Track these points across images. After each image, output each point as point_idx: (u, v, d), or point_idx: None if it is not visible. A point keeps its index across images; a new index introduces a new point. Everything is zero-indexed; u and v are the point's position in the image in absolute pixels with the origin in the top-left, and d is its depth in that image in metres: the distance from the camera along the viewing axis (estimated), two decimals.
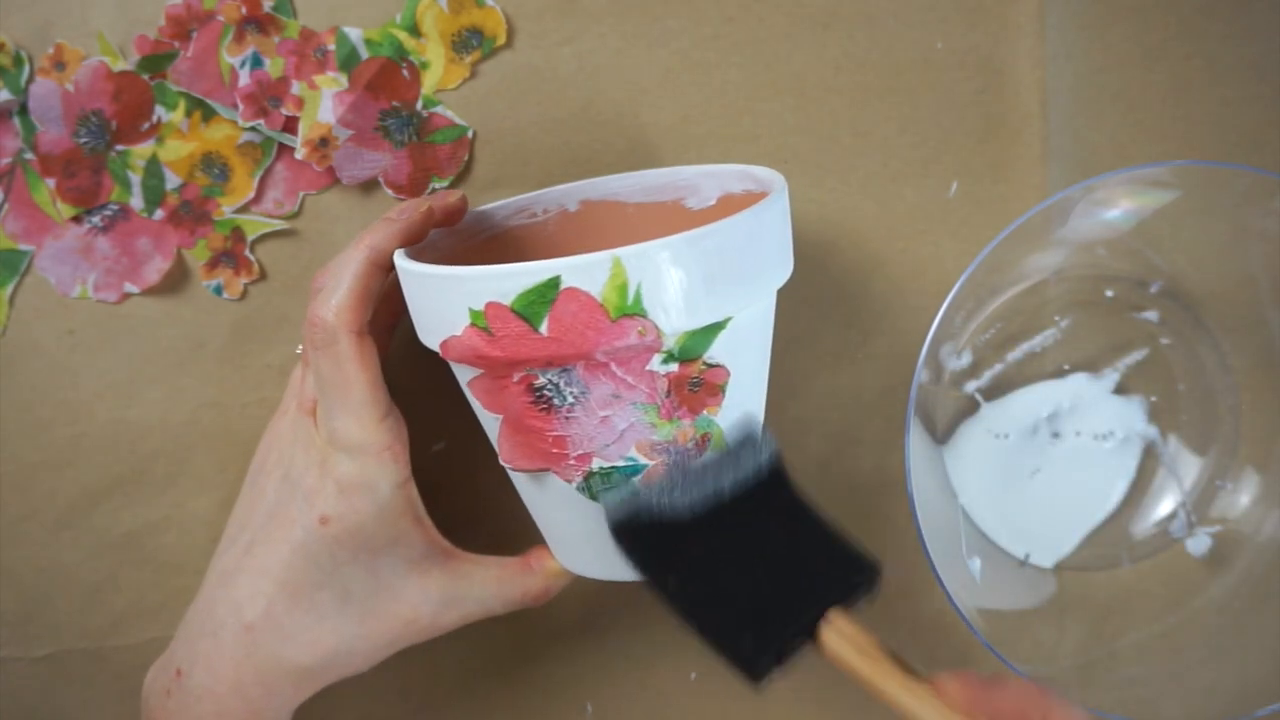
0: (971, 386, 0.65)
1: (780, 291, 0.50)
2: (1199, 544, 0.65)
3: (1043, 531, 0.66)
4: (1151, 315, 0.64)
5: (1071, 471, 0.66)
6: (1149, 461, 0.66)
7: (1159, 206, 0.60)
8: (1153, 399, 0.65)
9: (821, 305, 0.63)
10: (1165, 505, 0.66)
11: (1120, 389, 0.65)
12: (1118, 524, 0.67)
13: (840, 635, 0.44)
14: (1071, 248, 0.63)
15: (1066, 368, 0.65)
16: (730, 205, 0.56)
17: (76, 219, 0.59)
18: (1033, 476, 0.66)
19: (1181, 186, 0.59)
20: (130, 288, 0.60)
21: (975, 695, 0.41)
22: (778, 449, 0.49)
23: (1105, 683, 0.62)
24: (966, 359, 0.64)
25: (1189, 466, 0.66)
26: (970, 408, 0.65)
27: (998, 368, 0.65)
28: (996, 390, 0.65)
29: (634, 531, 0.47)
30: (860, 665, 0.44)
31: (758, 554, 0.47)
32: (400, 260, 0.49)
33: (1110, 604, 0.65)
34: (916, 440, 0.59)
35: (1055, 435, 0.65)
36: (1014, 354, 0.65)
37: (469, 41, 0.59)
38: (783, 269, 0.50)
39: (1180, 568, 0.65)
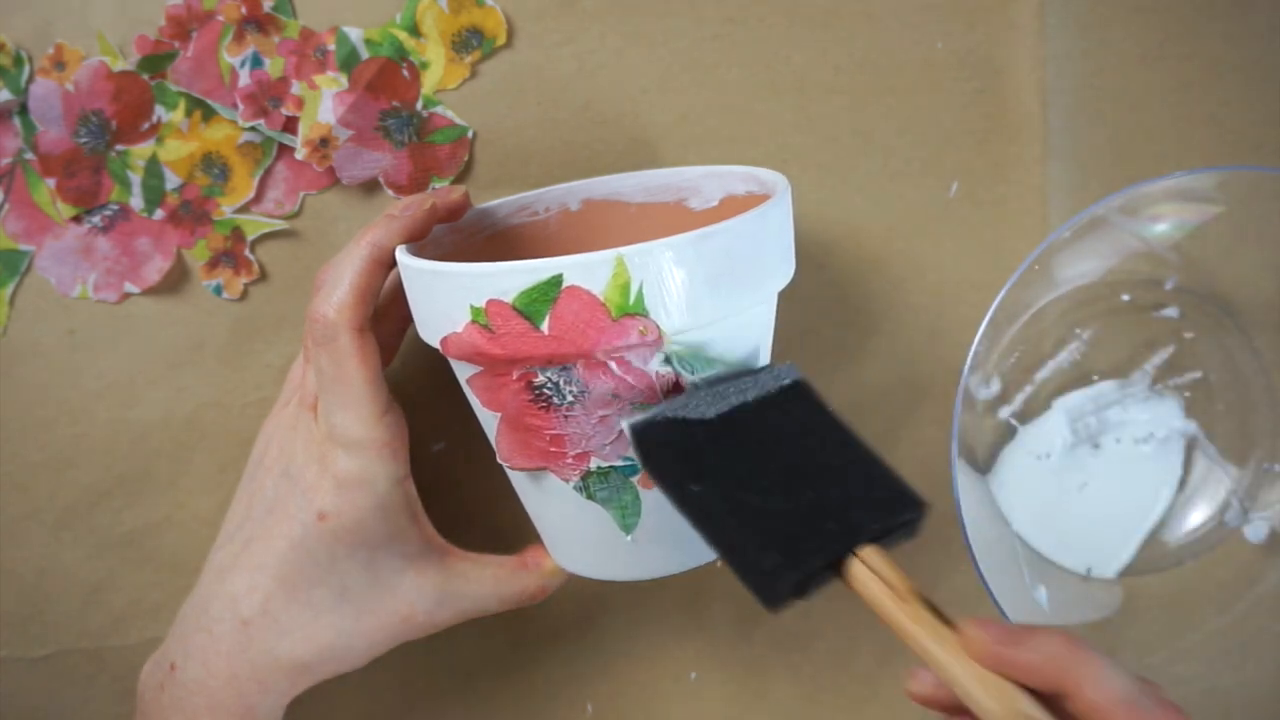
0: (1006, 413, 0.65)
1: (780, 291, 0.50)
2: (1257, 530, 0.65)
3: (1100, 543, 0.66)
4: (1171, 311, 0.64)
5: (1118, 479, 0.66)
6: (1193, 456, 0.66)
7: (1156, 208, 0.61)
8: (1186, 394, 0.66)
9: (821, 305, 0.63)
10: (1217, 496, 0.66)
11: (1152, 389, 0.65)
12: (1173, 522, 0.67)
13: (871, 570, 0.42)
14: (1085, 262, 0.63)
15: (1096, 378, 0.65)
16: (733, 206, 0.56)
17: (76, 219, 0.59)
18: (1081, 491, 0.66)
19: (1181, 186, 0.59)
20: (130, 288, 0.60)
21: (1001, 649, 0.40)
22: (804, 376, 0.48)
23: (1176, 678, 0.62)
24: (996, 386, 0.64)
25: (1234, 455, 0.66)
26: (1008, 433, 0.65)
27: (1028, 390, 0.65)
28: (1031, 412, 0.65)
29: (654, 434, 0.45)
30: (887, 605, 0.41)
31: (790, 472, 0.44)
32: (402, 256, 0.49)
33: (1179, 601, 0.65)
34: (963, 477, 0.59)
35: (1096, 446, 0.65)
36: (1042, 373, 0.65)
37: (469, 41, 0.59)
38: (785, 271, 0.50)
39: (1242, 556, 0.65)
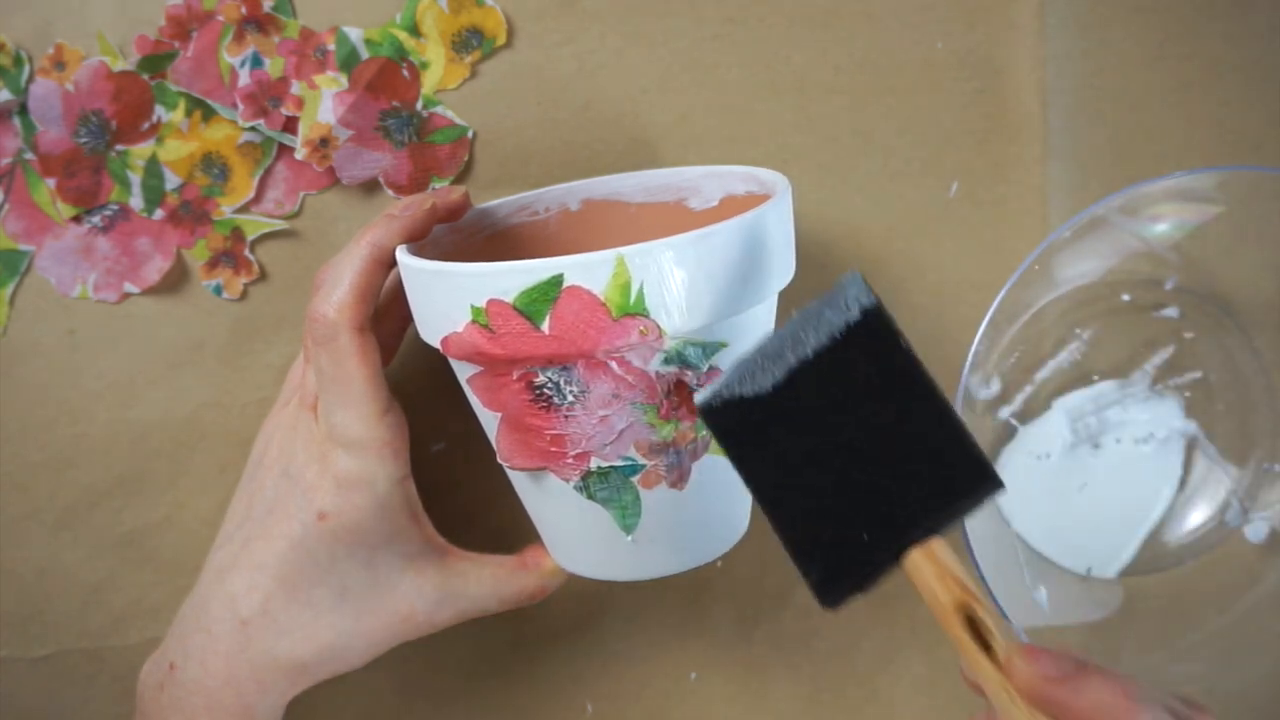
0: (1006, 413, 0.65)
1: (780, 291, 0.50)
2: (1257, 530, 0.65)
3: (1100, 543, 0.66)
4: (1172, 311, 0.64)
5: (1118, 479, 0.66)
6: (1193, 456, 0.66)
7: (1156, 208, 0.61)
8: (1186, 394, 0.66)
9: None
10: (1217, 497, 0.66)
11: (1152, 389, 0.65)
12: (1173, 522, 0.66)
13: (931, 567, 0.40)
14: (1085, 262, 0.63)
15: (1096, 378, 0.65)
16: (733, 206, 0.56)
17: (76, 219, 0.59)
18: (1081, 491, 0.65)
19: (1181, 186, 0.59)
20: (130, 288, 0.60)
21: (1046, 688, 0.38)
22: (876, 301, 0.41)
23: (1176, 678, 0.62)
24: (995, 386, 0.64)
25: (1234, 455, 0.66)
26: (1008, 433, 0.65)
27: (1028, 390, 0.65)
28: (1031, 412, 0.65)
29: (718, 417, 0.42)
30: (937, 609, 0.40)
31: (851, 447, 0.41)
32: (402, 256, 0.49)
33: (1179, 601, 0.65)
34: None
35: (1096, 447, 0.65)
36: (1042, 373, 0.65)
37: (469, 41, 0.59)
38: (785, 271, 0.50)
39: (1242, 556, 0.65)
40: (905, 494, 0.41)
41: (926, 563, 0.40)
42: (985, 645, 0.40)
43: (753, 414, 0.42)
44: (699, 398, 0.42)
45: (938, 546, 0.40)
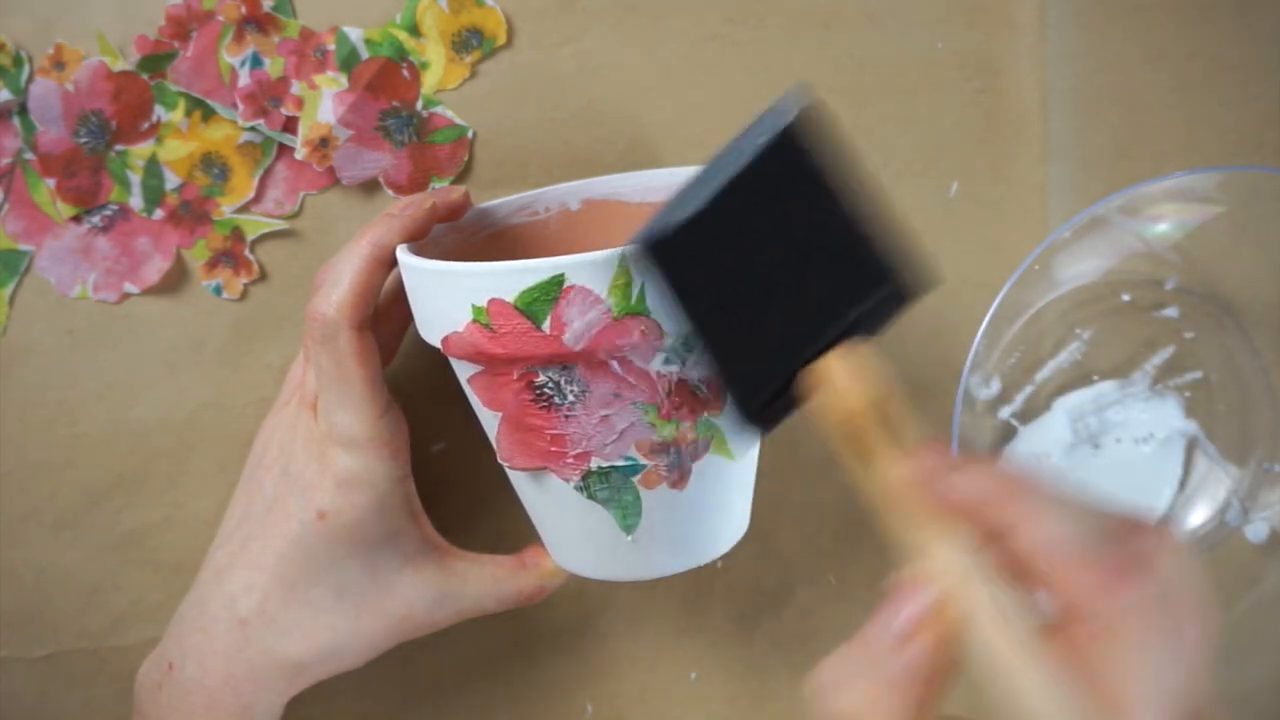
0: (1006, 413, 0.65)
1: None
2: (1257, 531, 0.65)
3: None
4: (1172, 312, 0.64)
5: (1118, 480, 0.65)
6: (1193, 456, 0.66)
7: (1156, 208, 0.61)
8: (1186, 394, 0.66)
9: None
10: (1217, 497, 0.66)
11: (1153, 389, 0.65)
12: (1173, 522, 0.66)
13: (842, 368, 0.39)
14: (1085, 262, 0.63)
15: (1096, 378, 0.65)
16: None
17: (76, 219, 0.59)
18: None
19: (1181, 186, 0.59)
20: (130, 288, 0.60)
21: (925, 481, 0.37)
22: (794, 121, 0.40)
23: None
24: (996, 387, 0.64)
25: (1234, 455, 0.66)
26: (1008, 433, 0.65)
27: (1028, 390, 0.65)
28: (1031, 412, 0.65)
29: (647, 253, 0.41)
30: (841, 417, 0.39)
31: (775, 263, 0.41)
32: (403, 255, 0.49)
33: None
34: None
35: (1096, 446, 0.65)
36: (1042, 373, 0.65)
37: (469, 41, 0.59)
38: None
39: (1242, 556, 0.65)
40: (820, 305, 0.41)
41: (838, 364, 0.40)
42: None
43: (686, 241, 0.41)
44: (634, 239, 0.41)
45: (855, 347, 0.40)
